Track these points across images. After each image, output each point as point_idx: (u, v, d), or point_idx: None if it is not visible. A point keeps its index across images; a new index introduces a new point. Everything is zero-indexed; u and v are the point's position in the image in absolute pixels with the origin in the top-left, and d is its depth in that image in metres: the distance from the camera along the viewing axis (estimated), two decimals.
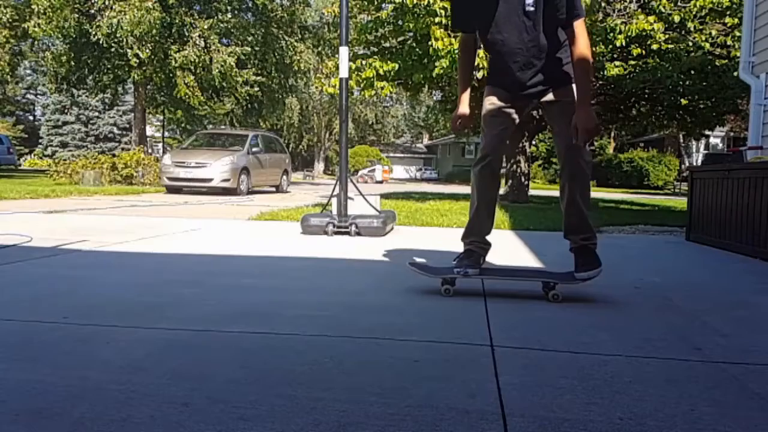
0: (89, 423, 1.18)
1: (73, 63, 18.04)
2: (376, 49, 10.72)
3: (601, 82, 10.02)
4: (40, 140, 44.38)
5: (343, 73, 4.73)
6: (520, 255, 3.90)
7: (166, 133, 33.76)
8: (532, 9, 2.24)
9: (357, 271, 3.29)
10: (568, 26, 2.26)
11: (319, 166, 44.80)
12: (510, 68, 2.40)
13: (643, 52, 9.22)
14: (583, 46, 2.25)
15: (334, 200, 4.93)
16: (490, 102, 2.51)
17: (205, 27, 17.51)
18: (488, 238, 2.64)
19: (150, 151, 24.11)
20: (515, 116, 2.53)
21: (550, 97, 2.42)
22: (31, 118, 50.32)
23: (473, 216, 2.62)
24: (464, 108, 2.58)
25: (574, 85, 2.36)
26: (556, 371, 1.56)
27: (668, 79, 9.08)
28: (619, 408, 1.32)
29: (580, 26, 2.24)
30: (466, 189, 21.52)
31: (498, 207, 8.90)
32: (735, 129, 26.23)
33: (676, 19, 9.02)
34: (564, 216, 2.50)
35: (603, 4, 9.30)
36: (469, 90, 2.64)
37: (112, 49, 16.88)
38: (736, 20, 8.57)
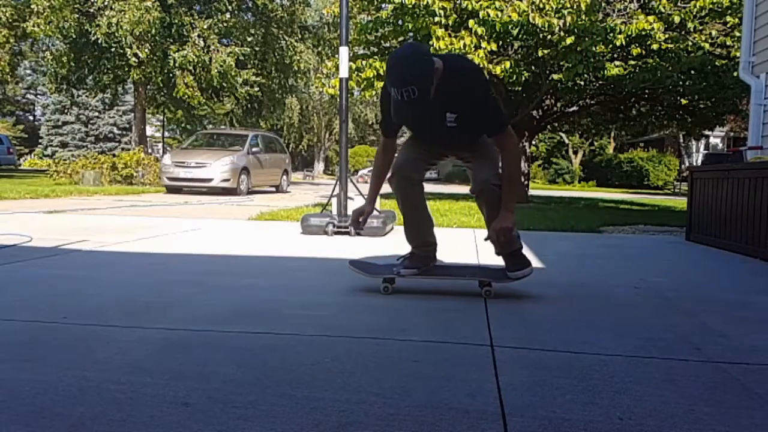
0: (89, 423, 1.18)
1: (73, 63, 18.03)
2: (376, 49, 10.73)
3: (601, 82, 10.02)
4: (40, 140, 44.36)
5: (343, 73, 4.73)
6: None
7: (166, 133, 33.76)
8: (453, 125, 2.32)
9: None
10: (495, 138, 2.38)
11: (319, 166, 44.78)
12: (431, 146, 2.59)
13: (643, 52, 9.22)
14: (510, 156, 2.39)
15: (334, 200, 4.93)
16: (417, 139, 2.61)
17: (205, 27, 17.51)
18: (431, 238, 2.69)
19: (150, 151, 24.11)
20: (435, 158, 2.66)
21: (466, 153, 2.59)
22: (31, 118, 50.30)
23: (405, 225, 2.67)
24: (369, 206, 2.66)
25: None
26: (556, 371, 1.56)
27: (668, 79, 9.08)
28: (619, 408, 1.32)
29: (506, 137, 2.35)
30: (465, 189, 21.55)
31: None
32: (735, 129, 26.23)
33: (676, 19, 9.02)
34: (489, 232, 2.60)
35: (603, 4, 9.30)
36: (379, 189, 2.76)
37: (112, 49, 16.88)
38: (736, 20, 8.58)
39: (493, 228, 2.41)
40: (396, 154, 2.61)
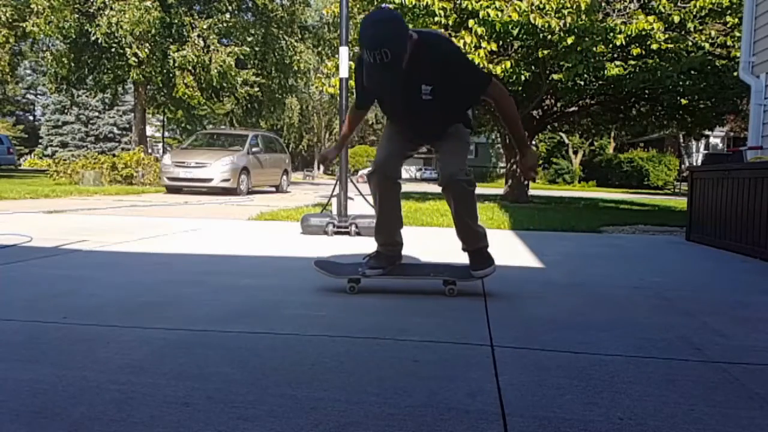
0: (89, 423, 1.18)
1: (73, 63, 18.03)
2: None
3: (601, 82, 10.02)
4: (40, 140, 44.37)
5: (343, 73, 4.73)
6: (519, 254, 3.90)
7: (166, 133, 33.77)
8: (429, 98, 2.30)
9: None
10: (484, 96, 2.36)
11: (319, 166, 44.76)
12: (406, 131, 2.57)
13: (643, 52, 9.22)
14: (505, 105, 2.37)
15: (334, 200, 4.93)
16: (394, 129, 2.61)
17: (205, 27, 17.51)
18: (399, 238, 2.70)
19: (150, 151, 24.12)
20: (411, 147, 2.64)
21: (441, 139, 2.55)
22: (31, 118, 50.31)
23: (378, 223, 2.66)
24: (333, 152, 2.76)
25: (460, 124, 2.49)
26: (556, 371, 1.56)
27: (668, 79, 9.08)
28: (619, 408, 1.32)
29: (494, 87, 2.32)
30: None
31: (498, 207, 8.93)
32: (735, 129, 26.24)
33: (676, 19, 9.02)
34: (455, 228, 2.60)
35: (603, 4, 9.30)
36: (344, 143, 2.83)
37: (112, 49, 16.89)
38: (736, 20, 8.58)
39: (523, 168, 2.42)
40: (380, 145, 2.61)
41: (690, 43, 9.22)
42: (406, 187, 21.67)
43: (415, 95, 2.29)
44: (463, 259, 3.37)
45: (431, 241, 4.54)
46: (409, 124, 2.53)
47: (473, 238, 2.55)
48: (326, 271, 2.62)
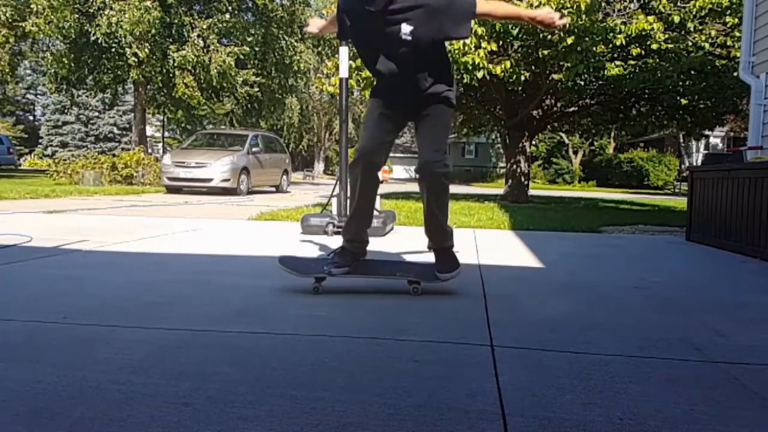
0: (89, 423, 1.18)
1: (73, 63, 18.03)
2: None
3: (601, 82, 10.02)
4: (40, 140, 44.37)
5: (343, 73, 4.73)
6: (519, 254, 3.90)
7: (166, 133, 33.76)
8: (408, 38, 2.26)
9: (356, 271, 3.28)
10: (476, 12, 2.32)
11: (319, 166, 44.78)
12: (390, 93, 2.48)
13: (643, 52, 9.23)
14: (498, 8, 2.42)
15: (334, 200, 4.93)
16: (377, 106, 2.52)
17: (205, 27, 17.51)
18: (366, 236, 2.65)
19: (150, 151, 24.10)
20: (395, 129, 2.56)
21: (423, 112, 2.46)
22: (31, 118, 50.31)
23: (352, 215, 2.59)
24: (318, 25, 2.77)
25: (442, 105, 2.43)
26: (556, 371, 1.56)
27: (668, 79, 9.09)
28: (619, 408, 1.32)
29: (482, 2, 2.31)
30: (465, 189, 21.54)
31: (498, 207, 8.92)
32: (735, 129, 26.24)
33: (676, 19, 9.03)
34: (424, 221, 2.57)
35: (603, 4, 9.30)
36: (332, 21, 2.75)
37: (112, 49, 16.88)
38: (736, 20, 8.58)
39: (543, 21, 2.35)
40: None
41: (690, 43, 9.22)
42: (406, 187, 21.73)
43: (395, 36, 2.24)
44: (463, 258, 3.37)
45: None
46: (392, 85, 2.44)
47: (440, 235, 2.52)
48: (291, 269, 2.56)
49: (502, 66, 8.86)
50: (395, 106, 2.49)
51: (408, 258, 3.53)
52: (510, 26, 8.39)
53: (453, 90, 2.48)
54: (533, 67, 9.48)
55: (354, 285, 2.61)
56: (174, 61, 16.96)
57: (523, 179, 11.81)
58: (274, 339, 1.81)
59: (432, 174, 2.37)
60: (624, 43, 8.78)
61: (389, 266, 2.93)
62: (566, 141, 35.12)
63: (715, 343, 1.88)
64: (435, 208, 2.46)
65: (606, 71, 9.13)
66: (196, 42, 17.32)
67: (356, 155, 2.45)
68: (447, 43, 9.20)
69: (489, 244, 4.42)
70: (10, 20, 16.41)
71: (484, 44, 8.60)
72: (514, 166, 11.81)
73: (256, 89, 19.90)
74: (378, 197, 5.54)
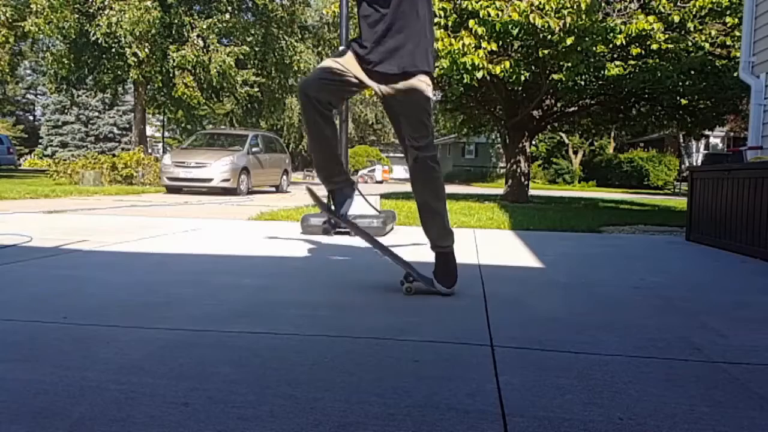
0: (89, 423, 1.18)
1: (73, 63, 18.04)
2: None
3: (601, 82, 10.02)
4: (40, 140, 44.37)
5: None
6: (519, 254, 3.90)
7: (166, 133, 33.76)
8: None
9: (357, 271, 3.29)
10: None
11: None
12: (364, 42, 2.36)
13: (643, 52, 9.23)
14: None
15: None
16: (343, 56, 2.43)
17: (205, 27, 17.52)
18: (339, 167, 2.60)
19: (150, 151, 24.12)
20: (352, 84, 2.42)
21: (391, 87, 2.37)
22: (31, 118, 50.31)
23: (318, 163, 2.54)
24: None
25: (417, 80, 2.33)
26: (556, 371, 1.56)
27: (668, 79, 9.09)
28: (619, 408, 1.32)
29: None
30: (466, 189, 21.53)
31: (498, 207, 8.92)
32: (735, 129, 26.24)
33: (676, 19, 9.03)
34: (421, 219, 2.51)
35: (603, 4, 9.30)
36: None
37: (112, 49, 16.89)
38: (736, 20, 8.58)
39: None
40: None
41: (690, 43, 9.22)
42: (406, 187, 21.71)
43: None
44: (463, 258, 3.36)
45: None
46: (367, 31, 2.33)
47: (442, 230, 2.47)
48: (315, 200, 2.56)
49: (502, 66, 8.86)
50: (361, 57, 2.37)
51: (406, 258, 3.52)
52: (510, 26, 8.39)
53: (428, 70, 2.36)
54: (533, 67, 9.48)
55: (356, 280, 2.61)
56: (174, 61, 16.97)
57: (523, 179, 11.81)
58: (274, 339, 1.81)
59: (424, 164, 2.31)
60: (624, 43, 8.78)
61: (396, 257, 2.91)
62: (566, 141, 35.11)
63: (715, 343, 1.88)
64: (432, 201, 2.40)
65: (606, 71, 9.13)
66: (195, 42, 17.33)
67: (299, 87, 2.41)
68: (447, 44, 9.12)
69: (489, 244, 4.42)
70: (9, 20, 16.41)
71: (484, 44, 8.60)
72: (514, 166, 11.81)
73: (256, 89, 19.92)
74: (378, 197, 5.52)
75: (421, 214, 2.52)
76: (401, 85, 2.34)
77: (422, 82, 2.35)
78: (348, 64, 2.40)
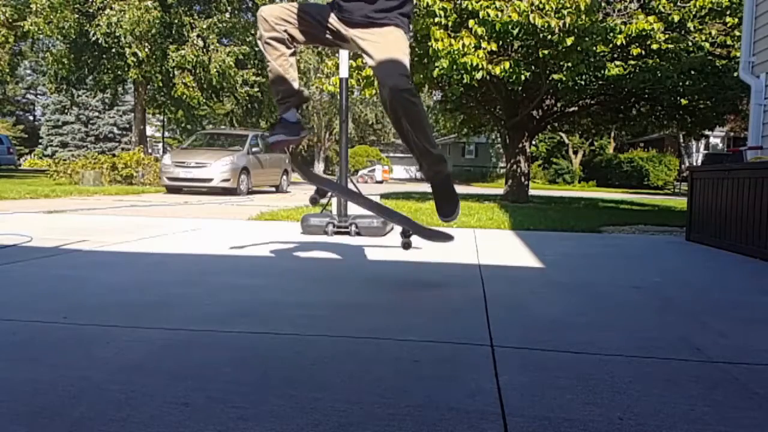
0: (89, 423, 1.18)
1: (73, 63, 18.04)
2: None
3: (601, 82, 10.03)
4: (40, 140, 44.37)
5: (343, 73, 4.73)
6: (519, 254, 3.90)
7: (166, 133, 33.76)
8: None
9: (357, 271, 3.29)
10: None
11: (319, 166, 44.80)
12: None
13: (643, 52, 9.23)
14: None
15: (334, 200, 4.93)
16: (319, 6, 2.40)
17: (204, 27, 17.52)
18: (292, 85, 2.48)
19: (150, 151, 24.12)
20: (321, 30, 2.37)
21: (362, 35, 2.31)
22: (31, 118, 50.31)
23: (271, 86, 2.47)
24: None
25: (393, 27, 2.30)
26: (556, 371, 1.56)
27: (668, 79, 9.09)
28: (619, 408, 1.32)
29: None
30: (466, 189, 21.53)
31: (498, 207, 8.92)
32: (735, 129, 26.24)
33: (676, 18, 9.03)
34: (412, 150, 2.44)
35: (603, 4, 9.31)
36: None
37: (112, 49, 16.89)
38: (736, 20, 8.58)
39: None
40: None
41: (690, 43, 9.22)
42: (406, 188, 21.65)
43: None
44: (463, 258, 3.37)
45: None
46: None
47: (436, 155, 2.41)
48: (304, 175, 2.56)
49: (502, 66, 8.86)
50: (341, 4, 2.32)
51: (406, 258, 3.53)
52: (510, 26, 8.39)
53: (406, 17, 2.34)
54: (533, 67, 9.48)
55: (356, 280, 2.61)
56: (173, 60, 16.97)
57: (523, 179, 11.82)
58: (274, 339, 1.81)
59: (402, 100, 2.21)
60: (624, 43, 8.79)
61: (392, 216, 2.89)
62: (566, 141, 35.12)
63: (715, 343, 1.88)
64: (418, 132, 2.32)
65: (606, 71, 9.14)
66: (195, 42, 17.32)
67: (262, 9, 2.33)
68: (447, 44, 9.11)
69: (489, 243, 4.42)
70: (9, 20, 16.41)
71: (484, 44, 8.60)
72: (514, 166, 11.81)
73: (256, 89, 19.90)
74: (378, 197, 5.51)
75: (414, 148, 2.42)
76: (379, 29, 2.31)
77: (400, 29, 2.34)
78: (324, 11, 2.37)
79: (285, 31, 2.32)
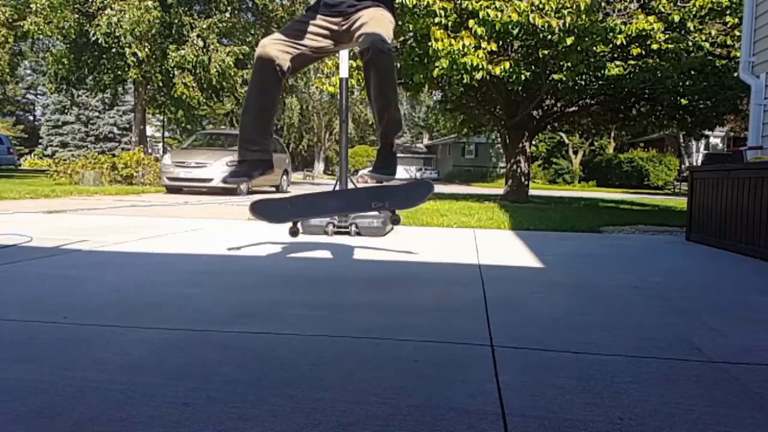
0: (89, 423, 1.18)
1: (73, 63, 18.04)
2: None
3: (601, 82, 10.03)
4: (40, 140, 44.38)
5: (344, 73, 4.73)
6: (519, 254, 3.90)
7: (166, 133, 33.76)
8: None
9: (357, 271, 3.29)
10: None
11: (319, 166, 44.80)
12: None
13: (643, 51, 9.23)
14: None
15: None
16: (305, 16, 2.48)
17: (204, 27, 17.51)
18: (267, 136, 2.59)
19: (150, 151, 24.12)
20: (312, 36, 2.44)
21: (351, 19, 2.39)
22: (31, 118, 50.33)
23: (243, 110, 2.51)
24: None
25: (377, 8, 2.38)
26: (556, 371, 1.56)
27: (668, 79, 9.09)
28: (619, 408, 1.32)
29: None
30: (465, 189, 21.51)
31: (498, 207, 8.92)
32: (735, 129, 26.25)
33: (676, 18, 9.03)
34: (378, 111, 2.46)
35: (603, 4, 9.31)
36: None
37: (113, 49, 16.88)
38: (736, 20, 8.58)
39: None
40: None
41: (690, 43, 9.22)
42: None
43: None
44: (463, 258, 3.37)
45: (430, 241, 4.54)
46: None
47: (396, 120, 2.46)
48: (261, 215, 2.55)
49: (502, 66, 8.86)
50: (328, 3, 2.41)
51: (407, 258, 3.53)
52: (510, 26, 8.39)
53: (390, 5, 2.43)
54: (533, 67, 9.48)
55: (356, 280, 2.61)
56: (173, 60, 16.97)
57: (523, 179, 11.81)
58: (274, 339, 1.81)
59: (384, 54, 2.25)
60: (624, 43, 8.78)
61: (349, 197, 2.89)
62: (566, 141, 35.12)
63: (715, 343, 1.88)
64: (388, 91, 2.37)
65: (606, 71, 9.13)
66: (195, 42, 17.32)
67: (259, 46, 2.39)
68: (447, 44, 9.12)
69: (489, 244, 4.41)
70: (9, 20, 16.41)
71: (484, 44, 8.60)
72: (514, 166, 11.81)
73: None
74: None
75: (378, 108, 2.46)
76: (366, 10, 2.39)
77: (385, 8, 2.42)
78: (315, 22, 2.44)
79: (279, 58, 2.37)
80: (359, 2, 2.40)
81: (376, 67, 2.28)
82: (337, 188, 4.85)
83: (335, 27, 2.44)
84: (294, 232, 2.49)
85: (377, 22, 2.34)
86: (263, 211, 2.54)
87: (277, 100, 2.50)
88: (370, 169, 2.54)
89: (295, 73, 2.50)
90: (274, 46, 2.35)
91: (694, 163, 25.90)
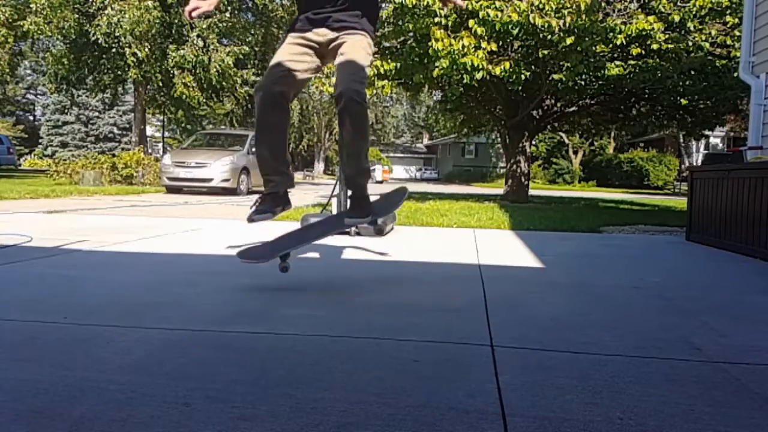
0: (89, 423, 1.18)
1: (73, 63, 18.04)
2: (376, 49, 10.74)
3: (601, 82, 10.03)
4: (40, 140, 44.39)
5: None
6: (519, 254, 3.90)
7: (166, 133, 33.76)
8: None
9: (357, 271, 3.29)
10: None
11: (319, 166, 44.80)
12: (318, 10, 2.46)
13: (643, 51, 9.23)
14: None
15: (334, 200, 4.93)
16: (289, 37, 2.54)
17: (204, 27, 17.51)
18: (284, 167, 2.56)
19: (150, 151, 24.12)
20: (309, 60, 2.50)
21: (338, 40, 2.43)
22: (31, 118, 50.33)
23: (258, 152, 2.52)
24: (208, 5, 2.55)
25: (361, 34, 2.42)
26: (556, 371, 1.56)
27: (668, 79, 9.09)
28: (619, 408, 1.32)
29: None
30: (466, 189, 21.52)
31: (498, 207, 8.92)
32: (735, 129, 26.25)
33: (676, 18, 9.03)
34: (346, 159, 2.52)
35: (603, 4, 9.31)
36: None
37: (112, 49, 16.89)
38: (736, 20, 8.58)
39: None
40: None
41: (690, 43, 9.22)
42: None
43: None
44: (463, 258, 3.36)
45: (430, 241, 4.54)
46: None
47: (364, 169, 2.50)
48: (250, 259, 2.55)
49: (502, 66, 8.86)
50: (309, 20, 2.46)
51: (407, 258, 3.53)
52: (510, 26, 8.39)
53: (372, 24, 2.48)
54: (533, 67, 9.48)
55: (356, 280, 2.61)
56: (173, 60, 16.97)
57: (523, 179, 11.82)
58: (274, 339, 1.81)
59: (352, 102, 2.28)
60: (624, 43, 8.78)
61: (321, 226, 2.92)
62: (566, 141, 35.12)
63: (715, 343, 1.88)
64: (360, 139, 2.40)
65: (606, 71, 9.13)
66: (195, 42, 17.32)
67: (257, 86, 2.44)
68: (447, 44, 9.10)
69: (489, 244, 4.41)
70: (9, 20, 16.41)
71: (484, 44, 8.60)
72: (514, 166, 11.82)
73: None
74: (378, 197, 5.54)
75: (347, 154, 2.50)
76: (350, 34, 2.43)
77: (368, 36, 2.48)
78: (300, 42, 2.50)
79: (281, 91, 2.43)
80: (344, 20, 2.43)
81: (348, 114, 2.33)
82: (337, 189, 4.86)
83: (321, 39, 2.48)
84: (284, 268, 2.53)
85: (356, 51, 2.37)
86: (251, 255, 2.59)
87: (287, 124, 2.51)
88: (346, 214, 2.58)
89: (294, 98, 2.54)
90: (275, 87, 2.40)
91: (694, 163, 25.90)
